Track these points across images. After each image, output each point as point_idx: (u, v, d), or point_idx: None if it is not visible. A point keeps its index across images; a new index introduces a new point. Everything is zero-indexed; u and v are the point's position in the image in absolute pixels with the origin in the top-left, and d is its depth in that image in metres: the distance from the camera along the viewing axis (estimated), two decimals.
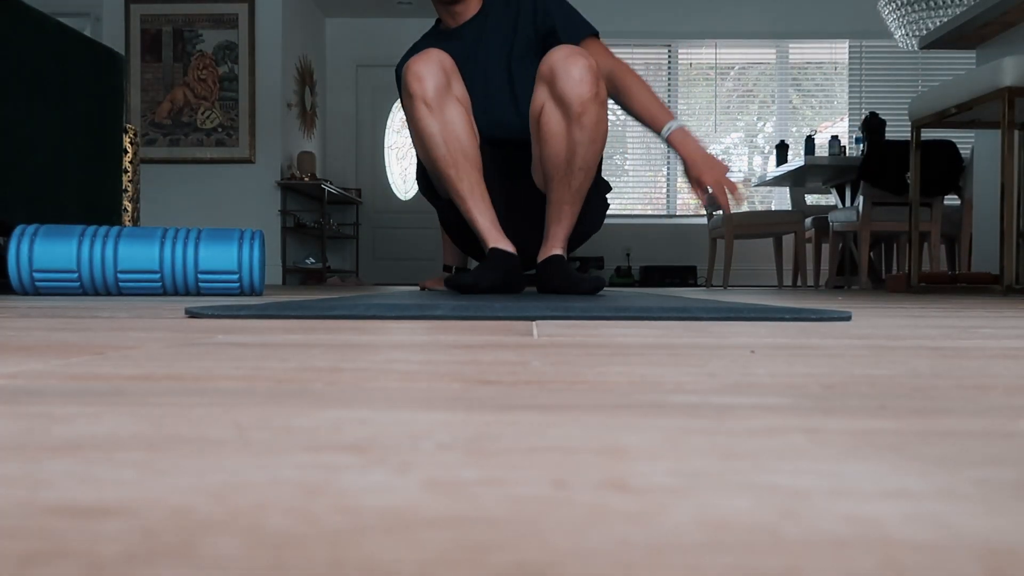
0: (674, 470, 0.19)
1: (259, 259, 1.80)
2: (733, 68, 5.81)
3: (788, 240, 5.30)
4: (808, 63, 5.77)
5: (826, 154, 4.44)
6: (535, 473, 0.19)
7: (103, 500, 0.17)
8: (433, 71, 1.62)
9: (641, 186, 5.85)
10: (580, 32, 1.79)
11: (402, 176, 6.22)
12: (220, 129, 5.17)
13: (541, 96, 1.65)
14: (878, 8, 4.37)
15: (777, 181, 4.60)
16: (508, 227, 1.76)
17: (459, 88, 1.72)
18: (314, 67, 5.86)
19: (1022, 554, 0.14)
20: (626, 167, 5.80)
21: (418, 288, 2.50)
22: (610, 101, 1.75)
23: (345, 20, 6.13)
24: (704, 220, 5.59)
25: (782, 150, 4.69)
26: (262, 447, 0.22)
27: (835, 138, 4.37)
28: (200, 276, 1.76)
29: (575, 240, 1.85)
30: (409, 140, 6.25)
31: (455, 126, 1.65)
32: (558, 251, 1.69)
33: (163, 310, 1.05)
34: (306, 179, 5.19)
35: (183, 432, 0.24)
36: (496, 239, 1.66)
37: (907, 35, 4.14)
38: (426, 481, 0.18)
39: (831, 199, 5.51)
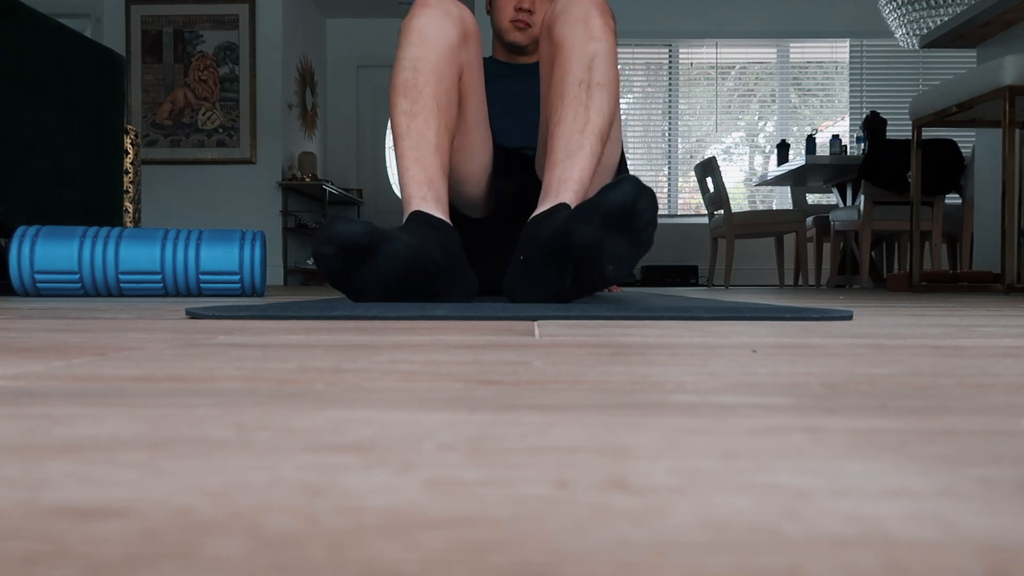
0: (675, 470, 0.19)
1: (260, 260, 1.80)
2: (734, 68, 5.81)
3: (789, 239, 5.30)
4: (809, 62, 5.77)
5: (827, 153, 4.44)
6: (537, 473, 0.19)
7: (104, 501, 0.17)
8: (454, 20, 1.23)
9: None
10: None
11: None
12: (221, 130, 5.17)
13: (546, 32, 1.27)
14: (878, 7, 4.37)
15: (778, 180, 4.60)
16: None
17: (474, 56, 1.30)
18: (315, 67, 5.86)
19: (1023, 553, 0.14)
20: (627, 166, 5.82)
21: None
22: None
23: (346, 20, 6.13)
24: (706, 220, 5.59)
25: (783, 149, 4.69)
26: (263, 448, 0.22)
27: (836, 137, 4.37)
28: (201, 277, 1.77)
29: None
30: None
31: (443, 63, 1.20)
32: (565, 200, 1.08)
33: (164, 311, 1.05)
34: (307, 179, 5.19)
35: (184, 433, 0.24)
36: (422, 201, 1.12)
37: (908, 34, 4.14)
38: (428, 481, 0.18)
39: (832, 198, 5.51)
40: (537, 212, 1.09)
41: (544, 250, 1.00)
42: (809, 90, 5.81)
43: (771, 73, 5.78)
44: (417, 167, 1.14)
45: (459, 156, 1.37)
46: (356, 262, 0.96)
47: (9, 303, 1.34)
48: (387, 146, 6.23)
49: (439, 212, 1.12)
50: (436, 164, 1.16)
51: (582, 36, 1.19)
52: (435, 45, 1.20)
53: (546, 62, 1.29)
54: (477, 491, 0.17)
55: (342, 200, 5.67)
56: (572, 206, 1.06)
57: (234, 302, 1.37)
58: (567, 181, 1.10)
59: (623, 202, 0.93)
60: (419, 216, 1.08)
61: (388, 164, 6.24)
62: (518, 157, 1.55)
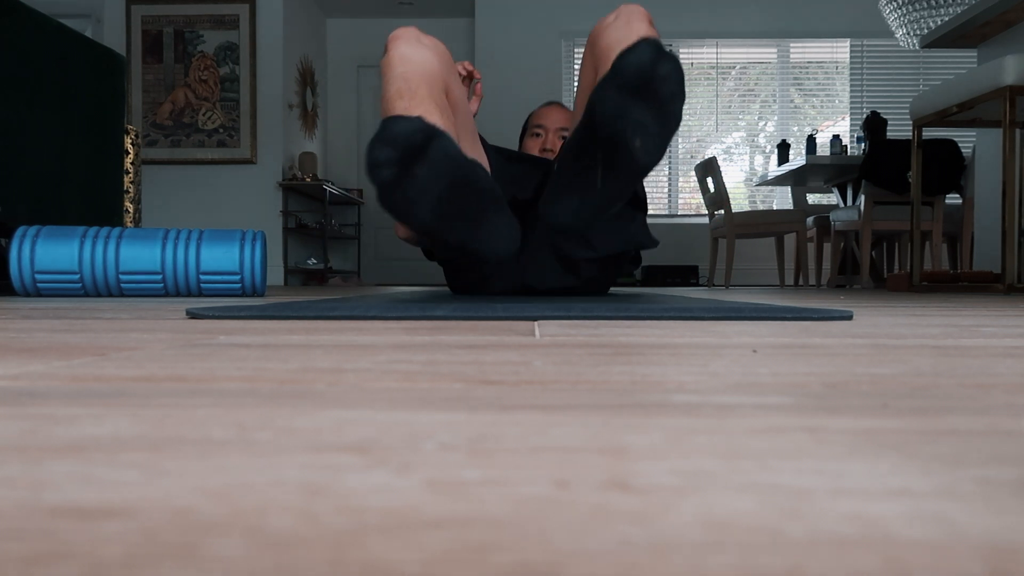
0: (676, 470, 0.19)
1: (260, 260, 1.80)
2: (734, 68, 5.81)
3: (790, 239, 5.30)
4: (809, 62, 5.77)
5: (827, 153, 4.44)
6: (537, 473, 0.19)
7: (105, 501, 0.17)
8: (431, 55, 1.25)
9: None
10: None
11: None
12: (221, 130, 5.17)
13: (591, 41, 1.30)
14: (879, 7, 4.37)
15: (779, 180, 4.59)
16: (523, 267, 1.43)
17: (456, 89, 1.35)
18: (315, 67, 5.86)
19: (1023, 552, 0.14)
20: None
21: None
22: None
23: (346, 20, 6.13)
24: (706, 220, 5.59)
25: (783, 149, 4.69)
26: (264, 448, 0.22)
27: (836, 137, 4.37)
28: (202, 277, 1.76)
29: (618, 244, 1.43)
30: None
31: (430, 74, 1.20)
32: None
33: (165, 311, 1.05)
34: (307, 179, 5.19)
35: (185, 433, 0.24)
36: (404, 106, 1.08)
37: (908, 34, 4.13)
38: (428, 481, 0.18)
39: (832, 198, 5.50)
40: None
41: (573, 141, 0.98)
42: (809, 90, 5.81)
43: (771, 73, 5.78)
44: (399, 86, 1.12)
45: None
46: (411, 164, 0.91)
47: (9, 303, 1.34)
48: None
49: (420, 109, 1.08)
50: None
51: (625, 35, 1.20)
52: (419, 63, 1.21)
53: (588, 68, 1.32)
54: (477, 491, 0.17)
55: (342, 200, 5.67)
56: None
57: (234, 302, 1.37)
58: None
59: (640, 64, 0.89)
60: (398, 121, 0.98)
61: None
62: (523, 172, 1.56)
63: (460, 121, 1.36)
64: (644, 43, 0.90)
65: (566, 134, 1.75)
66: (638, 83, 0.90)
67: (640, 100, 0.91)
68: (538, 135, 1.80)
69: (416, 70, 1.19)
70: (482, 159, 1.47)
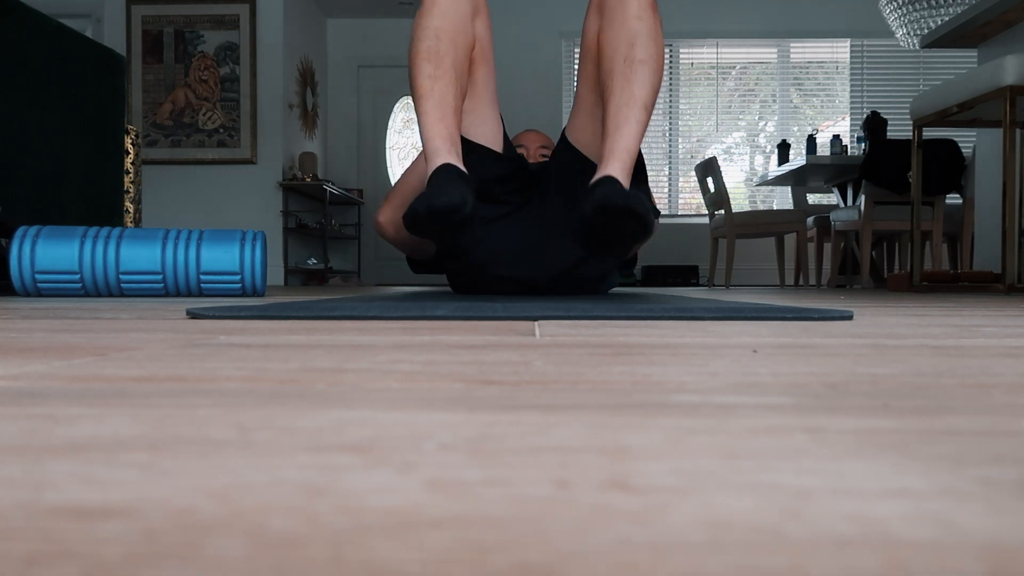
0: (676, 470, 0.19)
1: (261, 260, 1.80)
2: (734, 68, 5.81)
3: (790, 239, 5.30)
4: (809, 62, 5.77)
5: (828, 153, 4.44)
6: (537, 473, 0.19)
7: (106, 501, 0.17)
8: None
9: None
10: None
11: None
12: (222, 130, 5.17)
13: (596, 8, 1.48)
14: (879, 7, 4.37)
15: (779, 180, 4.59)
16: (523, 253, 1.53)
17: (482, 28, 1.50)
18: (315, 68, 5.86)
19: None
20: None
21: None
22: None
23: (346, 20, 6.13)
24: (706, 220, 5.59)
25: (784, 149, 4.69)
26: (265, 448, 0.22)
27: (837, 137, 4.37)
28: (202, 277, 1.77)
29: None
30: (411, 141, 6.26)
31: (460, 34, 1.38)
32: (612, 173, 1.27)
33: (165, 311, 1.05)
34: (308, 180, 5.18)
35: (185, 433, 0.24)
36: (447, 155, 1.28)
37: (908, 34, 4.13)
38: (429, 481, 0.18)
39: (833, 198, 5.50)
40: (592, 181, 1.29)
41: (581, 229, 1.27)
42: (810, 90, 5.81)
43: (772, 73, 5.78)
44: (441, 124, 1.31)
45: (470, 118, 1.52)
46: (442, 219, 1.18)
47: (10, 303, 1.35)
48: (388, 146, 6.23)
49: (461, 165, 1.31)
50: (455, 123, 1.35)
51: (622, 16, 1.38)
52: (452, 16, 1.37)
53: (591, 36, 1.48)
54: (478, 491, 0.17)
55: (343, 200, 5.67)
56: (618, 174, 1.27)
57: (235, 302, 1.37)
58: (615, 151, 1.31)
59: (616, 202, 1.17)
60: (451, 168, 1.25)
61: (388, 164, 6.24)
62: (520, 169, 1.64)
63: (480, 76, 1.51)
64: (615, 186, 1.20)
65: (545, 152, 1.89)
66: (620, 210, 1.18)
67: (625, 218, 1.20)
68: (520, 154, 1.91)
69: (447, 27, 1.36)
70: (491, 122, 1.57)
